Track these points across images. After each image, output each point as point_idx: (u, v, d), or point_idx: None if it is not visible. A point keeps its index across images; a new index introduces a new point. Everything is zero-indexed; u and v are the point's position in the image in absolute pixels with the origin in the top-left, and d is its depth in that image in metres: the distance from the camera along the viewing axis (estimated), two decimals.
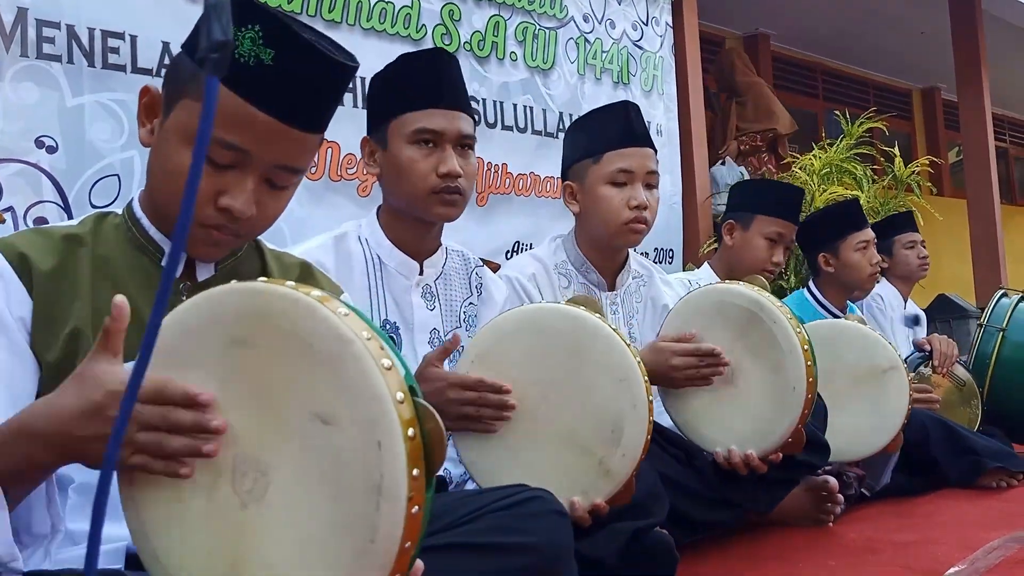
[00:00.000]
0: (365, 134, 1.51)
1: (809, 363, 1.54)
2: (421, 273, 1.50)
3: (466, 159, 1.45)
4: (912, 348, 2.87)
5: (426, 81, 1.43)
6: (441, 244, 1.56)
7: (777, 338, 1.54)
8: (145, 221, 1.01)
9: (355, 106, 2.64)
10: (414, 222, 1.49)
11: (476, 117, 1.52)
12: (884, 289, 3.11)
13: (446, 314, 1.53)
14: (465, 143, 1.45)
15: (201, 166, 0.54)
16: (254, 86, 0.88)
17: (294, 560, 0.70)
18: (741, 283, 1.63)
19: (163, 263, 1.00)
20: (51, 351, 0.92)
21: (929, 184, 4.73)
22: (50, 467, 0.79)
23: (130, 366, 0.61)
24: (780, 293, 3.06)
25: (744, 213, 2.38)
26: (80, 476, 0.91)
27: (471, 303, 1.57)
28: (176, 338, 0.74)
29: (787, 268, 3.62)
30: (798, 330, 1.55)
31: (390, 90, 1.47)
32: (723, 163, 4.87)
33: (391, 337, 1.19)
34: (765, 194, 2.52)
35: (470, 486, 1.45)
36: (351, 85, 2.18)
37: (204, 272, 1.02)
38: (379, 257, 1.49)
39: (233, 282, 0.74)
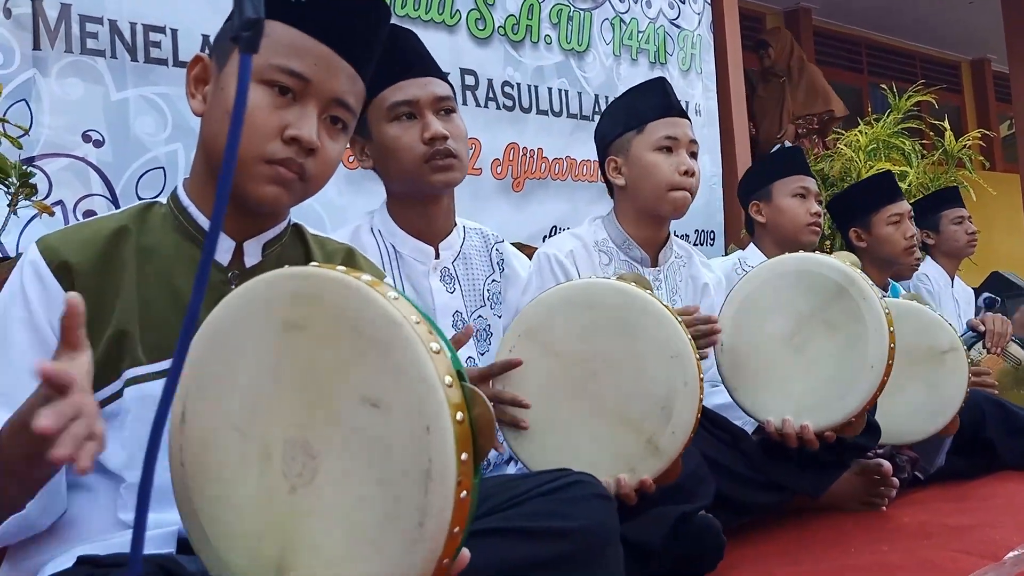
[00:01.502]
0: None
1: (892, 345, 1.52)
2: (437, 257, 1.49)
3: (450, 122, 1.43)
4: (964, 328, 2.78)
5: (387, 58, 1.39)
6: (456, 224, 1.53)
7: (864, 314, 1.52)
8: (192, 208, 1.02)
9: None
10: (421, 204, 1.47)
11: (451, 83, 1.49)
12: (929, 267, 3.01)
13: (468, 295, 1.51)
14: (443, 107, 1.43)
15: (244, 103, 0.58)
16: (307, 18, 0.97)
17: (343, 544, 0.70)
18: (833, 256, 1.61)
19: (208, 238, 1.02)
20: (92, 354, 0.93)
21: (981, 158, 4.57)
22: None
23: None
24: None
25: (760, 190, 2.37)
26: (131, 476, 0.93)
27: (494, 280, 1.56)
28: (227, 322, 0.75)
29: (832, 250, 3.54)
30: (886, 310, 1.53)
31: None
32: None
33: None
34: (768, 164, 2.50)
35: (510, 469, 1.45)
36: None
37: (252, 258, 1.04)
38: (393, 246, 1.47)
39: (285, 267, 0.75)
